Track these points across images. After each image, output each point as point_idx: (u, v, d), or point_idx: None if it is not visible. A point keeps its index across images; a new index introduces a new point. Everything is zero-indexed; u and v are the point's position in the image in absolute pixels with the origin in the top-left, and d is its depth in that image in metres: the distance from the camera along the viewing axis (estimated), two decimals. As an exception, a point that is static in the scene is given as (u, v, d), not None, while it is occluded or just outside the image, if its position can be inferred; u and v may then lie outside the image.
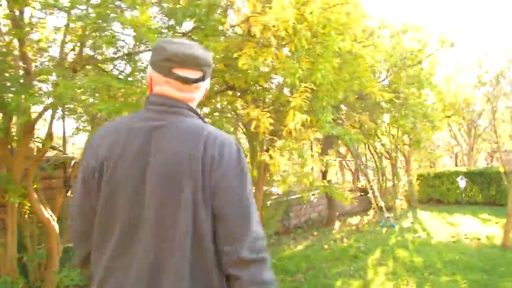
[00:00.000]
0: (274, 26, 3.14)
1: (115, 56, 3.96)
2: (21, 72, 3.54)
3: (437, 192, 13.22)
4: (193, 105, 1.47)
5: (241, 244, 1.28)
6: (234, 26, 3.14)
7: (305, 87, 3.46)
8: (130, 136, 1.36)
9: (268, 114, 3.42)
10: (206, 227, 1.29)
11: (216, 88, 4.86)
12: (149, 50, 3.91)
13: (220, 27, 3.51)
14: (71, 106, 4.47)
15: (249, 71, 3.19)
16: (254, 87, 4.05)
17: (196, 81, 1.42)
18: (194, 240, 1.28)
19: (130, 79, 3.46)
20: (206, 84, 1.51)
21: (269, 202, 8.02)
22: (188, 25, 3.62)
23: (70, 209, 1.46)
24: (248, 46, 3.36)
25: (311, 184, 3.97)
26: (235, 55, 3.26)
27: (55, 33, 3.94)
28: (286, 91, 4.36)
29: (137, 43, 3.66)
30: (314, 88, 3.53)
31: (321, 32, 3.42)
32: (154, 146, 1.33)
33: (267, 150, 3.85)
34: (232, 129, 5.15)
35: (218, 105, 5.22)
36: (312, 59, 3.61)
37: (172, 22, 3.38)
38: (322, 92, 4.01)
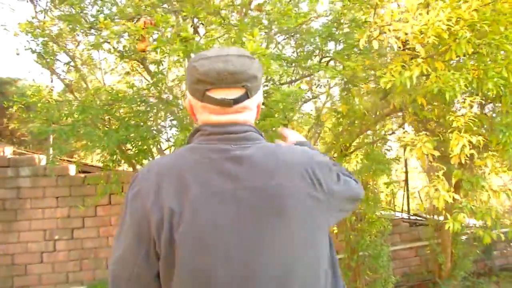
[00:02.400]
0: (421, 32, 2.63)
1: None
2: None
3: None
4: None
5: None
6: (370, 40, 2.75)
7: (471, 101, 2.78)
8: (203, 174, 1.09)
9: (426, 138, 2.84)
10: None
11: (381, 111, 4.43)
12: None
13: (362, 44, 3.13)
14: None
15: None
16: (417, 107, 3.47)
17: (237, 101, 1.16)
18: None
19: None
20: (256, 100, 1.25)
21: (464, 237, 6.84)
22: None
23: (115, 281, 1.12)
24: (396, 61, 2.90)
25: (495, 222, 3.12)
26: (378, 73, 2.84)
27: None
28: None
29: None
30: (483, 101, 2.81)
31: (489, 31, 2.71)
32: (241, 183, 1.08)
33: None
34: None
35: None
36: (482, 65, 2.89)
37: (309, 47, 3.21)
38: (505, 105, 3.18)
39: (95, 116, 3.85)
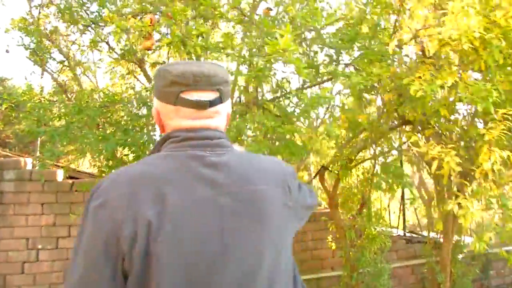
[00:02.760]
0: (453, 39, 2.46)
1: (277, 95, 3.81)
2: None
3: None
4: None
5: None
6: (401, 46, 2.58)
7: (503, 114, 2.62)
8: (181, 181, 1.03)
9: (453, 152, 2.67)
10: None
11: (390, 123, 4.27)
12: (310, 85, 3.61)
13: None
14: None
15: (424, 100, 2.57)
16: (436, 119, 3.30)
17: (212, 103, 1.14)
18: None
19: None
20: (227, 108, 1.22)
21: (460, 256, 6.70)
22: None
23: None
24: (423, 69, 2.73)
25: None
26: (405, 81, 2.66)
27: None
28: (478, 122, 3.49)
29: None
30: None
31: (523, 40, 2.57)
32: (221, 189, 1.05)
33: (456, 197, 3.02)
34: (411, 172, 4.29)
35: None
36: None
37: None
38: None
39: (91, 118, 3.59)
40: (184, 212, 1.00)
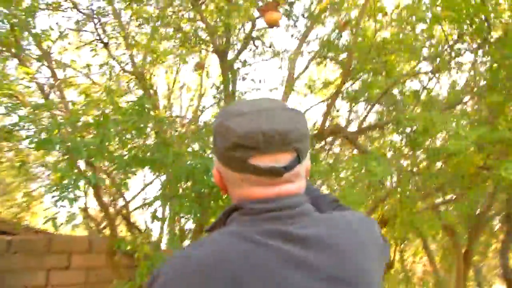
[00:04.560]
0: None
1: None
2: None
3: None
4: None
5: None
6: None
7: None
8: (262, 267, 0.81)
9: None
10: None
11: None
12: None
13: None
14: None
15: None
16: None
17: (289, 168, 0.88)
18: None
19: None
20: (306, 164, 0.96)
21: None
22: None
23: None
24: None
25: None
26: None
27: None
28: None
29: None
30: None
31: None
32: (316, 273, 0.82)
33: None
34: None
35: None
36: None
37: None
38: None
39: (137, 129, 2.26)
40: None
